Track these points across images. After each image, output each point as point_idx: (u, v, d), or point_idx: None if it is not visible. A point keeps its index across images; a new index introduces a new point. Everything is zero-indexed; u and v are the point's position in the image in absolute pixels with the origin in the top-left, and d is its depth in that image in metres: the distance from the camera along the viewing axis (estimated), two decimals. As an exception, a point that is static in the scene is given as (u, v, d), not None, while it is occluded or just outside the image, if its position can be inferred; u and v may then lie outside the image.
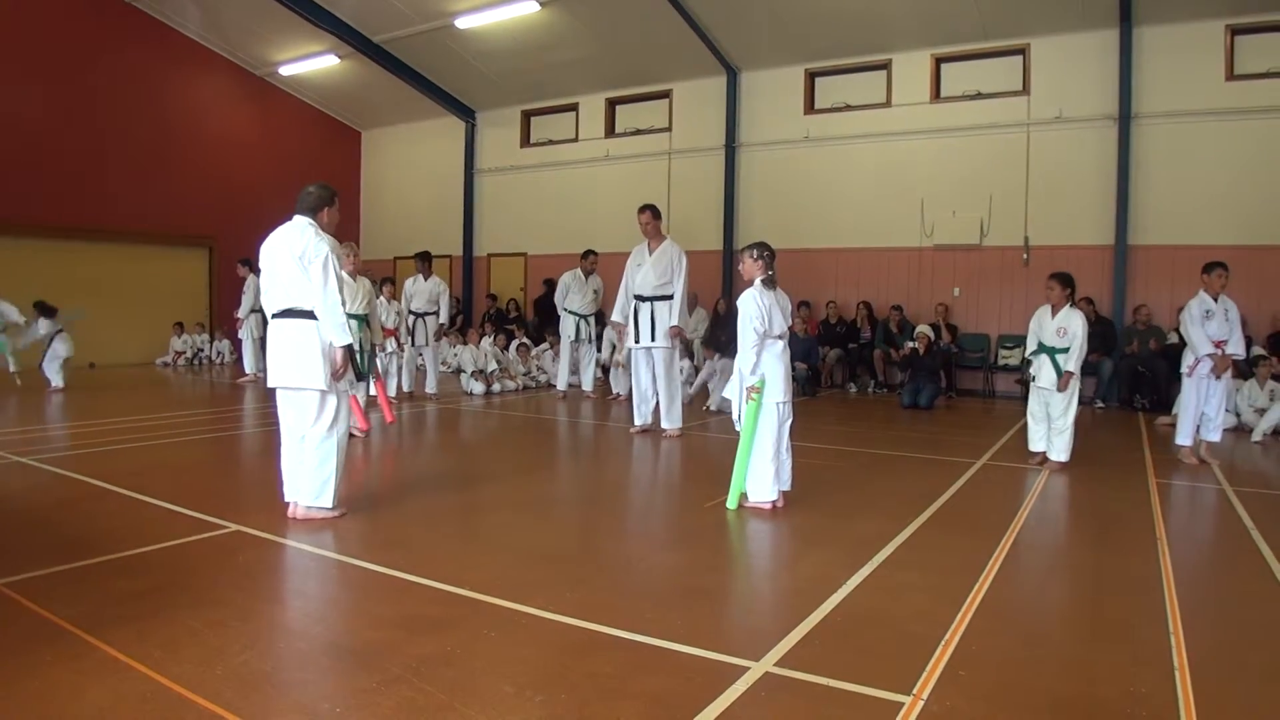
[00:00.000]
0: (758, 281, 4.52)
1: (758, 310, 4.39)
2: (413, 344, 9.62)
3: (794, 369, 10.93)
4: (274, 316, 4.01)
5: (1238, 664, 2.67)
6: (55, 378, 9.98)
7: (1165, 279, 10.13)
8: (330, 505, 4.07)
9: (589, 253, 10.21)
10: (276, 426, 4.15)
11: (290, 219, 4.07)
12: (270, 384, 4.06)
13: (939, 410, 9.47)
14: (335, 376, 3.96)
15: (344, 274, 6.70)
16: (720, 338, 11.51)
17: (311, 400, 3.97)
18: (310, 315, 3.93)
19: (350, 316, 6.56)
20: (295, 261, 3.90)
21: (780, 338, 4.54)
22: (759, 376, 4.44)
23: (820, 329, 11.82)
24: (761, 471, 4.45)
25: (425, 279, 9.76)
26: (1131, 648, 2.72)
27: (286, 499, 4.11)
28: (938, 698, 2.29)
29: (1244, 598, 3.34)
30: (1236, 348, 6.15)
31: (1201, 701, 2.30)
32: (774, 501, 4.49)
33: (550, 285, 14.15)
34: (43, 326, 10.19)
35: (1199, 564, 3.92)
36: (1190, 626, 2.87)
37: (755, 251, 4.56)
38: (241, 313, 11.41)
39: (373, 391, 7.58)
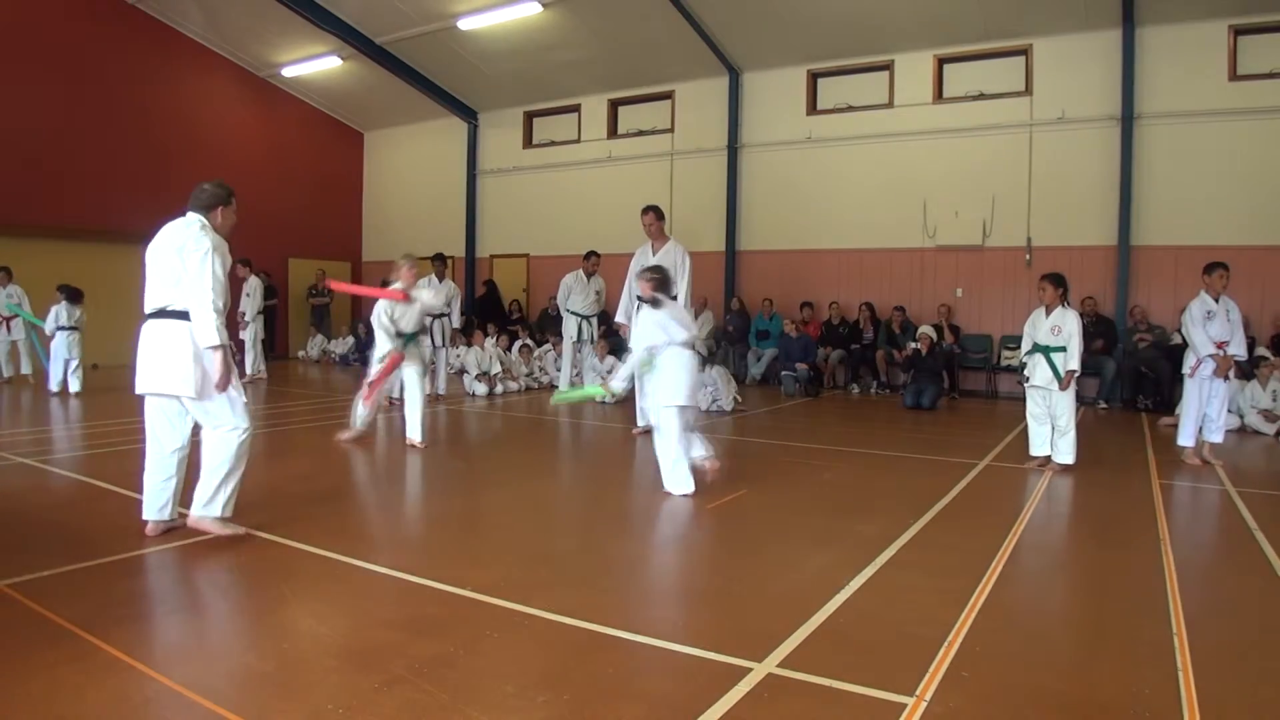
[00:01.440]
0: (646, 299, 5.03)
1: (646, 328, 4.94)
2: (432, 345, 9.66)
3: (794, 369, 11.05)
4: (148, 317, 3.69)
5: (1241, 664, 2.66)
6: (54, 379, 9.31)
7: (1168, 279, 10.12)
8: (218, 514, 3.69)
9: (591, 254, 10.21)
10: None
11: (182, 214, 3.75)
12: (137, 389, 3.69)
13: (941, 411, 9.45)
14: (219, 386, 3.60)
15: (398, 289, 6.45)
16: (723, 339, 11.51)
17: (192, 407, 3.67)
18: (183, 316, 3.59)
19: (400, 335, 6.44)
20: (175, 256, 3.59)
21: (686, 345, 4.92)
22: (622, 384, 5.14)
23: (823, 329, 11.83)
24: (672, 469, 4.84)
25: (440, 280, 9.80)
26: (1134, 648, 2.71)
27: (144, 517, 3.76)
28: (940, 699, 2.29)
29: (1247, 598, 3.34)
30: (1238, 348, 6.14)
31: (1204, 702, 2.30)
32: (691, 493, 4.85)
33: (491, 286, 14.58)
34: (54, 315, 9.44)
35: (1202, 564, 3.91)
36: (1193, 627, 2.86)
37: (648, 274, 5.13)
38: (248, 314, 11.42)
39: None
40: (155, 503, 3.76)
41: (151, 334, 3.65)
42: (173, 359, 3.58)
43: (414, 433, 6.36)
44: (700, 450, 4.99)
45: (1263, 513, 4.65)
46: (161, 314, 3.64)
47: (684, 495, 4.79)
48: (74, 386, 9.34)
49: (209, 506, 3.67)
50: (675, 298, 5.04)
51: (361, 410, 6.61)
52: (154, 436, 3.74)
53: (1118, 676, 2.49)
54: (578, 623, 2.81)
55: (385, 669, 2.42)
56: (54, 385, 9.33)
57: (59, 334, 9.43)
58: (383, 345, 6.50)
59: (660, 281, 5.07)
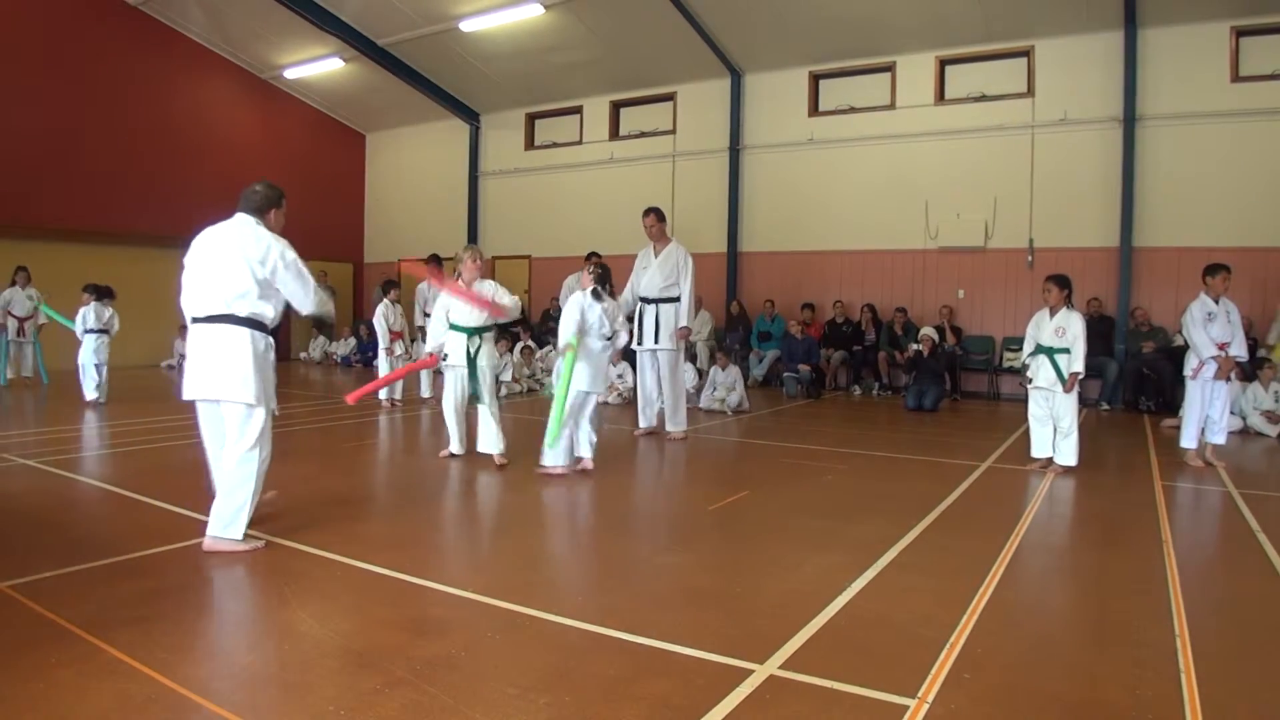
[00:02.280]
0: (588, 290, 5.42)
1: (575, 312, 5.33)
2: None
3: (796, 371, 11.04)
4: (198, 321, 3.63)
5: (1243, 666, 2.66)
6: (88, 388, 8.71)
7: (1170, 281, 10.12)
8: (239, 537, 3.60)
9: (592, 255, 10.21)
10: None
11: (231, 216, 3.71)
12: (188, 396, 3.66)
13: (943, 412, 9.45)
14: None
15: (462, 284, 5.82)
16: (733, 343, 11.49)
17: (234, 414, 3.60)
18: (245, 322, 3.58)
19: (462, 330, 5.79)
20: (248, 265, 3.57)
21: (606, 339, 5.44)
22: (571, 336, 5.32)
23: (825, 331, 11.83)
24: (552, 443, 5.31)
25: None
26: (1136, 650, 2.71)
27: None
28: (942, 701, 2.29)
29: (1249, 600, 3.33)
30: (1239, 350, 6.14)
31: (1207, 704, 2.29)
32: (564, 468, 5.38)
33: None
34: (82, 318, 8.90)
35: (1204, 566, 3.91)
36: (1196, 629, 2.86)
37: (591, 268, 5.53)
38: None
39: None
40: None
41: (208, 339, 3.59)
42: (233, 366, 3.55)
43: (492, 447, 5.71)
44: (587, 449, 5.49)
45: (1265, 514, 4.64)
46: (220, 319, 3.58)
47: (551, 470, 5.31)
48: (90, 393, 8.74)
49: (229, 529, 3.60)
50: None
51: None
52: (209, 441, 3.79)
53: (1120, 678, 2.48)
54: (579, 624, 2.81)
55: (387, 670, 2.42)
56: (89, 394, 8.68)
57: (87, 337, 8.84)
58: (433, 340, 5.92)
59: (603, 276, 5.52)
